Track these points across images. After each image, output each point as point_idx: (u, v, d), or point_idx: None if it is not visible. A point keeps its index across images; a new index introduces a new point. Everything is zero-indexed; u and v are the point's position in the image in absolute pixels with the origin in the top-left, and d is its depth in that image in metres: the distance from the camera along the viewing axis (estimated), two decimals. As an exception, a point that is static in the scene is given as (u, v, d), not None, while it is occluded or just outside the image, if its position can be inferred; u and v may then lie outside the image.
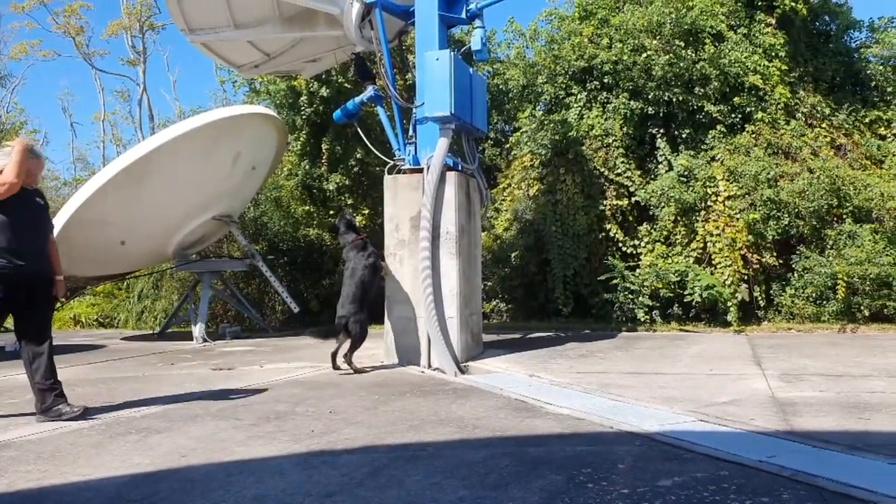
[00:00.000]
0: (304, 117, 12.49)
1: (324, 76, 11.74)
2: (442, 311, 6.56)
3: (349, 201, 12.76)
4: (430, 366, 6.51)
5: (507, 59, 11.97)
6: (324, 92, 12.00)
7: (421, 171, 6.83)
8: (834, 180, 9.89)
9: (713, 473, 3.14)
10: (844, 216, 10.04)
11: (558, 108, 11.11)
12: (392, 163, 7.21)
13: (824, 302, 9.50)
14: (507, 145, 11.92)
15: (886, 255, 9.26)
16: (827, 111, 11.43)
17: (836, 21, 12.51)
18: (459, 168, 7.12)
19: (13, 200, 4.32)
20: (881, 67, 12.10)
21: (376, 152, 7.53)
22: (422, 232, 6.57)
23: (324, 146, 12.57)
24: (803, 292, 9.65)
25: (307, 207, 12.98)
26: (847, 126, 11.47)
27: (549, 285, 10.55)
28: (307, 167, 12.75)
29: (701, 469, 3.22)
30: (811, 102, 11.33)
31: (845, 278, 9.15)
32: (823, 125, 11.27)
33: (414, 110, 7.12)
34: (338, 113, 7.64)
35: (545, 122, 10.56)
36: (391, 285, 6.89)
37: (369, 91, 7.37)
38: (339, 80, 12.00)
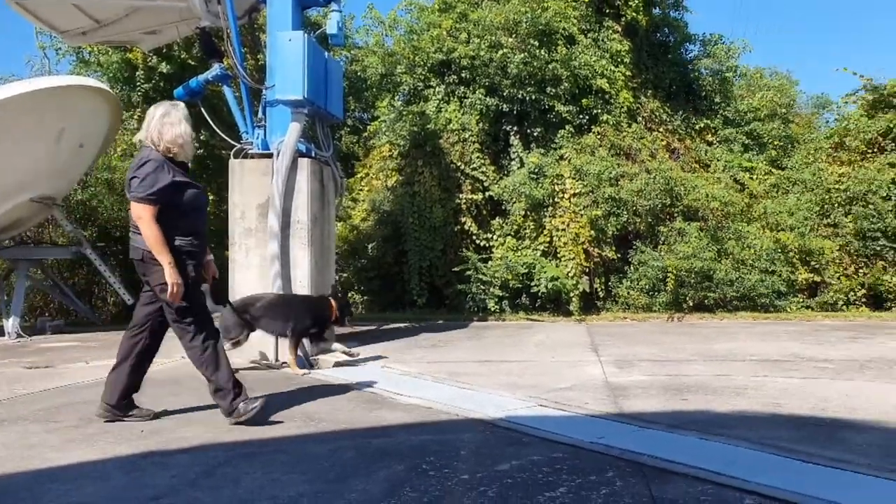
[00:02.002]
0: (140, 93, 11.54)
1: (165, 50, 10.91)
2: (292, 303, 6.32)
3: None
4: (278, 360, 6.26)
5: (366, 46, 11.81)
6: (164, 67, 11.15)
7: (271, 156, 6.54)
8: (668, 181, 10.72)
9: (549, 456, 3.27)
10: (675, 214, 10.93)
11: (417, 100, 11.13)
12: (239, 146, 6.83)
13: (656, 293, 10.30)
14: (366, 134, 11.78)
15: (709, 250, 10.21)
16: (664, 117, 12.38)
17: (674, 34, 13.55)
18: (313, 155, 6.89)
19: (187, 180, 3.97)
20: (710, 79, 13.29)
21: (222, 135, 7.10)
22: (270, 220, 6.29)
23: (163, 125, 11.67)
24: (638, 284, 10.41)
25: (144, 191, 11.99)
26: (681, 132, 12.50)
27: (406, 277, 10.57)
28: (143, 147, 11.76)
29: (538, 452, 3.33)
30: (651, 108, 12.21)
31: (674, 271, 9.96)
32: (661, 130, 12.20)
33: (264, 92, 6.79)
34: (179, 90, 7.10)
35: (404, 113, 10.54)
36: (236, 277, 6.54)
37: (215, 69, 6.91)
38: (183, 56, 11.21)
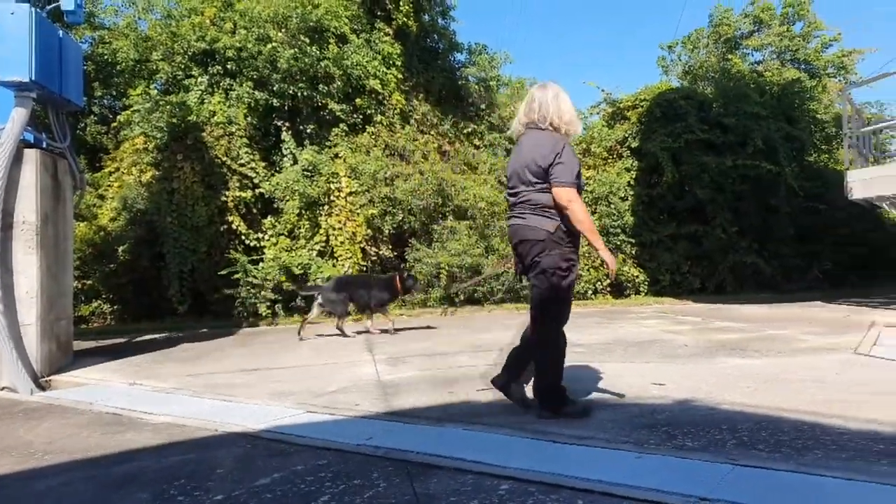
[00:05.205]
0: None
1: None
2: (14, 317, 5.38)
3: None
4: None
5: (116, 28, 10.57)
6: None
7: (-13, 144, 5.51)
8: (440, 182, 11.09)
9: (313, 464, 3.11)
10: (447, 213, 11.35)
11: (176, 89, 10.24)
12: (-56, 132, 5.67)
13: (431, 289, 10.60)
14: (115, 124, 10.54)
15: (477, 247, 10.77)
16: (435, 120, 12.80)
17: (442, 41, 14.07)
18: (44, 145, 5.96)
19: None
20: (476, 86, 14.04)
21: (-81, 117, 5.84)
22: (-14, 220, 5.30)
23: None
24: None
25: None
26: (451, 135, 13.02)
27: (164, 282, 9.62)
28: None
29: (302, 461, 3.16)
30: (422, 111, 12.54)
31: (447, 268, 10.34)
32: (432, 132, 12.59)
33: (-24, 70, 5.71)
34: None
35: (161, 103, 9.58)
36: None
37: None
38: None
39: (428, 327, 8.18)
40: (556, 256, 3.58)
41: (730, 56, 20.06)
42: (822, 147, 15.59)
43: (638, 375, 4.90)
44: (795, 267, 13.77)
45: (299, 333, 7.67)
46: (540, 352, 3.72)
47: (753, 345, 6.24)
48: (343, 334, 7.69)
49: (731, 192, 13.11)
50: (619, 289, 12.35)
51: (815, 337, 6.68)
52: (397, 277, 7.90)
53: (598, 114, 14.77)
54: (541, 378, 3.72)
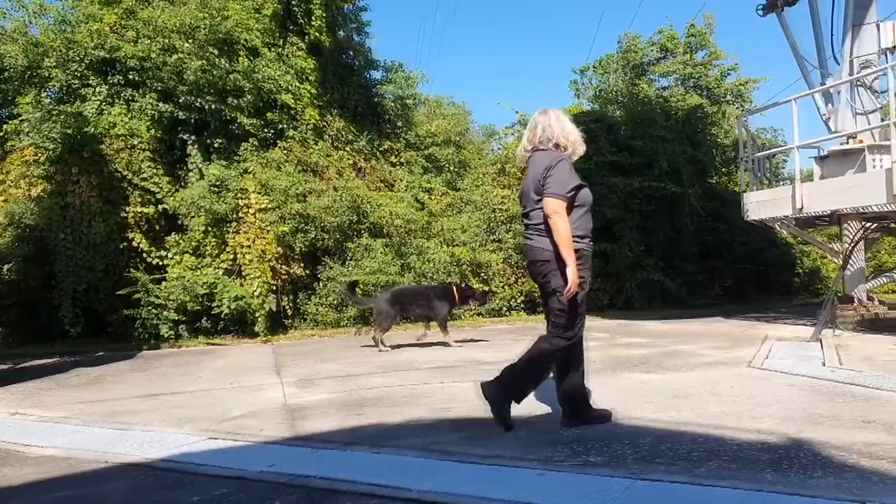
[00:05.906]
0: None
1: None
2: None
3: None
4: None
5: (3, 32, 9.90)
6: None
7: None
8: (355, 199, 10.97)
9: (211, 494, 2.97)
10: (363, 231, 11.23)
11: (72, 99, 9.68)
12: None
13: (344, 308, 10.41)
14: (2, 133, 9.82)
15: (393, 265, 10.69)
16: (350, 137, 12.69)
17: (358, 58, 14.01)
18: (-84, 154, 5.48)
19: (581, 182, 3.78)
20: (393, 104, 14.02)
21: None
22: None
23: None
24: (327, 300, 10.42)
25: None
26: (366, 151, 12.93)
27: (56, 303, 9.00)
28: None
29: (199, 492, 3.01)
30: (337, 127, 12.42)
31: (362, 286, 10.18)
32: (347, 149, 12.47)
33: None
34: None
35: (55, 113, 9.02)
36: None
37: None
38: None
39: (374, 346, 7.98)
40: (562, 276, 3.62)
41: (638, 81, 21.01)
42: (723, 170, 16.56)
43: (547, 391, 4.95)
44: (699, 284, 14.46)
45: (380, 345, 7.69)
46: (537, 362, 3.84)
47: (657, 360, 6.45)
48: (379, 348, 7.63)
49: (639, 212, 13.65)
50: (532, 305, 12.55)
51: (714, 351, 6.98)
52: (454, 288, 7.97)
53: (513, 135, 15.07)
54: (516, 383, 3.86)
